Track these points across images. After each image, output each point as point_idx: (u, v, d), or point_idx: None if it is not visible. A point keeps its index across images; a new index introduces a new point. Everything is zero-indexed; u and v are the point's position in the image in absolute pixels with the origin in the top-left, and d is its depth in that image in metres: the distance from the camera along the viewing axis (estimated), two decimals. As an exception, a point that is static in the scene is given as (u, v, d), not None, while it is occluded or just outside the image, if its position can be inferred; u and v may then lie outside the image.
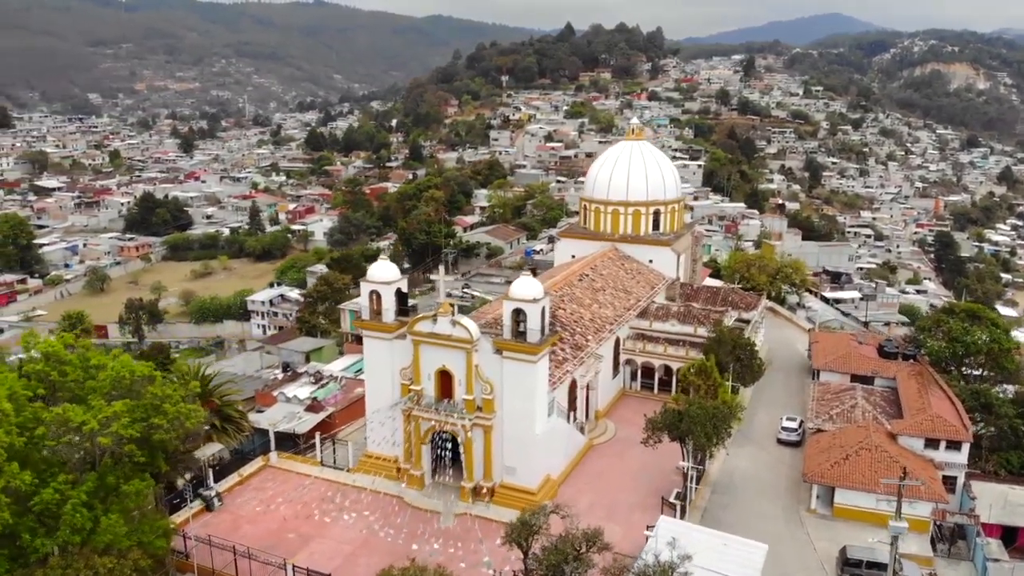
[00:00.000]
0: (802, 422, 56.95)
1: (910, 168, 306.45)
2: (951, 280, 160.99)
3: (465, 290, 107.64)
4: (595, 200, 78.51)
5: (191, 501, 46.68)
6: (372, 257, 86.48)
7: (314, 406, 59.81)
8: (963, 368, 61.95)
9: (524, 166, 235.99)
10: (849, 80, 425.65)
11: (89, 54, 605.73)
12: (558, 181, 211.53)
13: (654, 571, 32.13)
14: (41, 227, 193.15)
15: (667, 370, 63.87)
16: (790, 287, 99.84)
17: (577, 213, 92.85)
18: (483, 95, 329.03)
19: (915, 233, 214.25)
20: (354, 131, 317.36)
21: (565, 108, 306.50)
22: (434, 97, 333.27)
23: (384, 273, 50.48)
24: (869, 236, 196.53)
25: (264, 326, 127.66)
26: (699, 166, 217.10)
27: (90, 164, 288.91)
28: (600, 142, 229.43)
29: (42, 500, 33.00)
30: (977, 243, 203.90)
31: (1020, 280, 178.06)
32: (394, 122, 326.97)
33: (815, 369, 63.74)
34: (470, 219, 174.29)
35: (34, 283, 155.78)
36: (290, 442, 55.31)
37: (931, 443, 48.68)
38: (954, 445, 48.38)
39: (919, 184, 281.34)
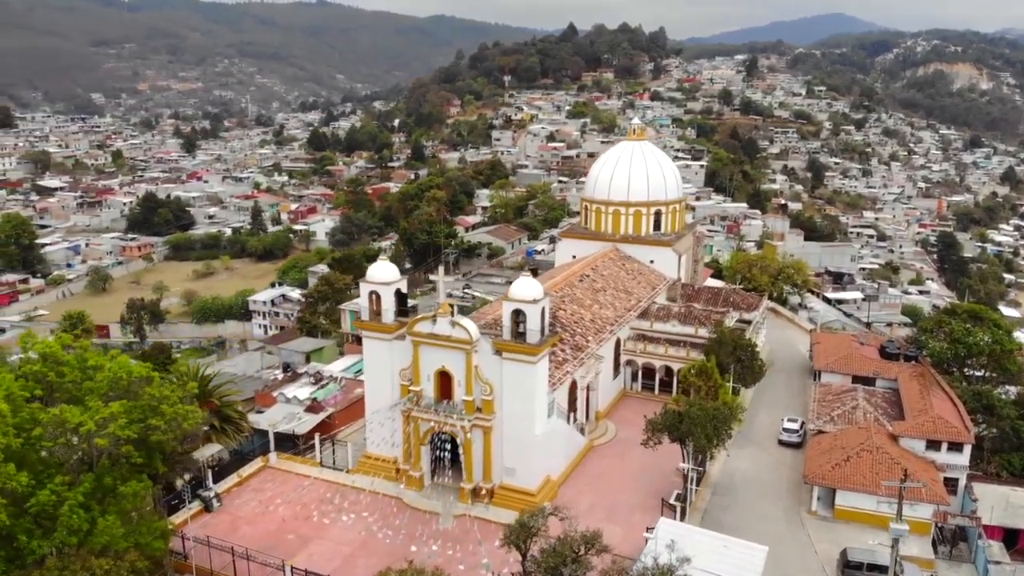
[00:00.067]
0: (803, 423, 56.74)
1: (913, 168, 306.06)
2: (954, 281, 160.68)
3: (466, 290, 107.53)
4: (596, 200, 78.37)
5: (190, 502, 46.56)
6: (373, 257, 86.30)
7: (314, 407, 59.68)
8: (965, 369, 61.70)
9: (526, 166, 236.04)
10: (852, 80, 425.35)
11: (92, 54, 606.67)
12: (560, 181, 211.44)
13: (653, 574, 31.99)
14: (43, 227, 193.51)
15: (668, 371, 63.68)
16: (792, 288, 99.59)
17: (578, 213, 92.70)
18: (485, 95, 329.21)
19: (918, 233, 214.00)
20: (356, 131, 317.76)
21: (567, 108, 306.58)
22: (436, 97, 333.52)
23: (383, 274, 50.36)
24: (871, 236, 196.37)
25: (265, 326, 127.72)
26: (701, 166, 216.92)
27: (92, 164, 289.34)
28: (602, 142, 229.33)
29: (39, 501, 32.88)
30: (980, 243, 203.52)
31: (1023, 281, 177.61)
32: (396, 122, 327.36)
33: (816, 370, 63.48)
34: (472, 219, 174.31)
35: (36, 283, 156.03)
36: (290, 443, 55.21)
37: (932, 445, 48.45)
38: (956, 447, 48.14)
39: (922, 184, 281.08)
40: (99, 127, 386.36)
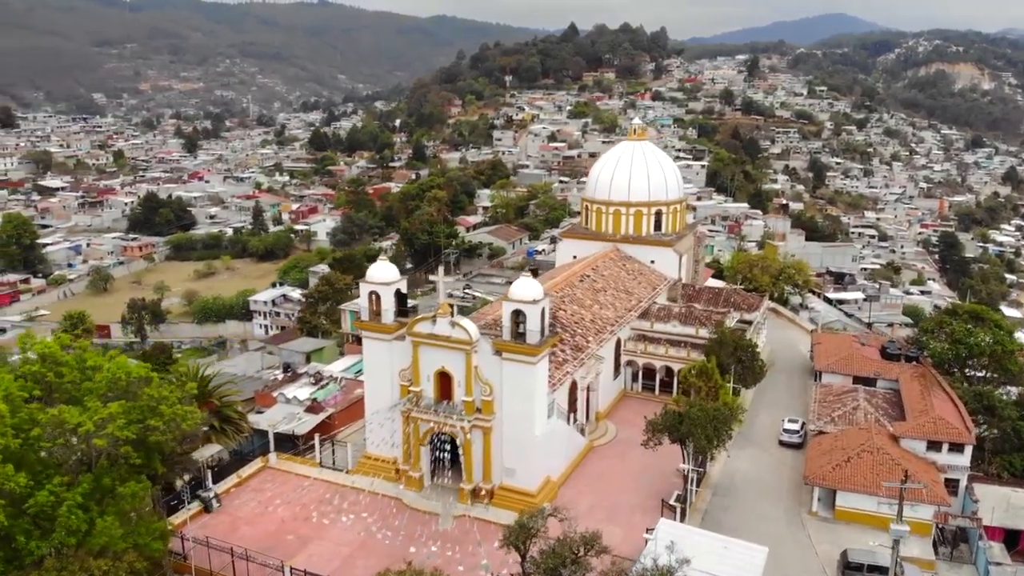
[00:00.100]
0: (804, 424, 56.64)
1: (914, 168, 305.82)
2: (955, 281, 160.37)
3: (466, 291, 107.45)
4: (597, 201, 78.30)
5: (189, 502, 46.52)
6: (374, 257, 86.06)
7: (314, 407, 59.62)
8: (966, 370, 61.54)
9: (527, 166, 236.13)
10: (853, 80, 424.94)
11: (94, 54, 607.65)
12: (561, 181, 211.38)
13: (652, 575, 31.88)
14: (45, 227, 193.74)
15: (668, 371, 63.58)
16: (793, 288, 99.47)
17: (579, 213, 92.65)
18: (487, 95, 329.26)
19: (919, 234, 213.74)
20: (358, 131, 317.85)
21: (568, 108, 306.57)
22: (438, 97, 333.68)
23: (383, 274, 50.29)
24: (873, 237, 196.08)
25: (266, 326, 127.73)
26: (703, 166, 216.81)
27: (94, 164, 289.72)
28: (603, 142, 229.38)
29: (37, 502, 32.81)
30: (981, 244, 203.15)
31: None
32: (398, 122, 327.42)
33: (817, 371, 63.37)
34: (473, 219, 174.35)
35: (37, 283, 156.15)
36: (289, 443, 55.15)
37: (933, 445, 48.33)
38: (957, 447, 48.01)
39: (923, 184, 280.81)
40: (100, 127, 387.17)
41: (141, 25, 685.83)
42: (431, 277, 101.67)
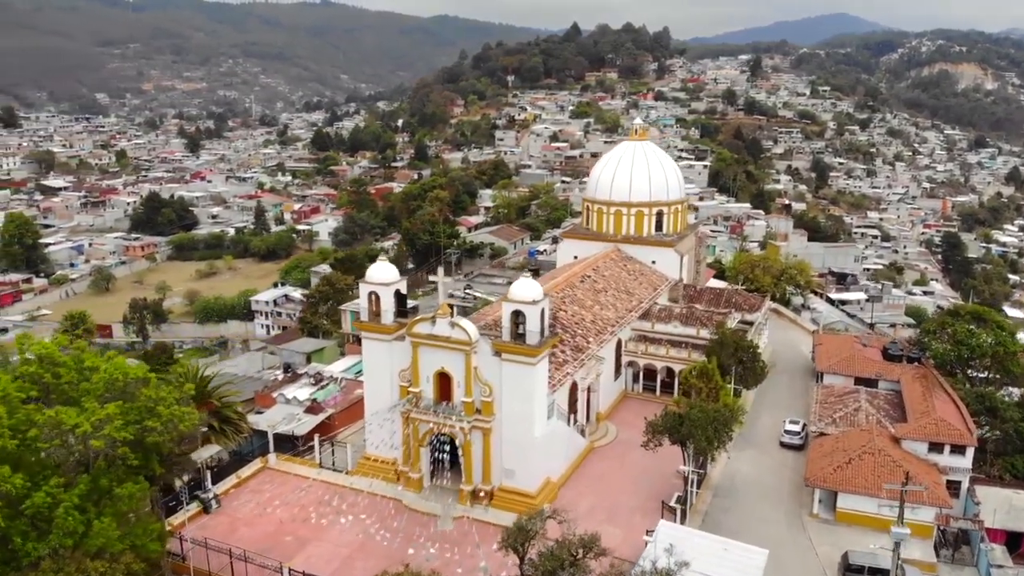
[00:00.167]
0: (805, 425, 56.44)
1: (917, 168, 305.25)
2: (958, 281, 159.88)
3: (467, 291, 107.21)
4: (598, 201, 78.16)
5: (188, 503, 46.43)
6: (375, 257, 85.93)
7: (313, 408, 59.51)
8: (968, 371, 61.30)
9: (529, 166, 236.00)
10: (856, 80, 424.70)
11: (97, 54, 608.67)
12: (563, 181, 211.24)
13: (651, 577, 31.74)
14: (47, 226, 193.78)
15: (669, 372, 63.41)
16: (795, 288, 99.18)
17: (581, 214, 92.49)
18: (489, 95, 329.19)
19: (922, 234, 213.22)
20: (360, 131, 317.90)
21: (571, 108, 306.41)
22: (440, 97, 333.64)
23: (383, 274, 50.17)
24: (876, 237, 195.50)
25: (268, 326, 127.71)
26: (705, 166, 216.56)
27: (96, 164, 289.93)
28: (606, 142, 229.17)
29: (34, 503, 32.65)
30: (985, 244, 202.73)
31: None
32: (400, 122, 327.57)
33: (819, 372, 63.14)
34: (474, 219, 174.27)
35: (39, 282, 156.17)
36: (289, 444, 55.06)
37: (935, 447, 48.09)
38: (958, 449, 47.77)
39: (926, 184, 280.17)
40: (103, 127, 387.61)
41: (144, 25, 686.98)
42: (432, 277, 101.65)
